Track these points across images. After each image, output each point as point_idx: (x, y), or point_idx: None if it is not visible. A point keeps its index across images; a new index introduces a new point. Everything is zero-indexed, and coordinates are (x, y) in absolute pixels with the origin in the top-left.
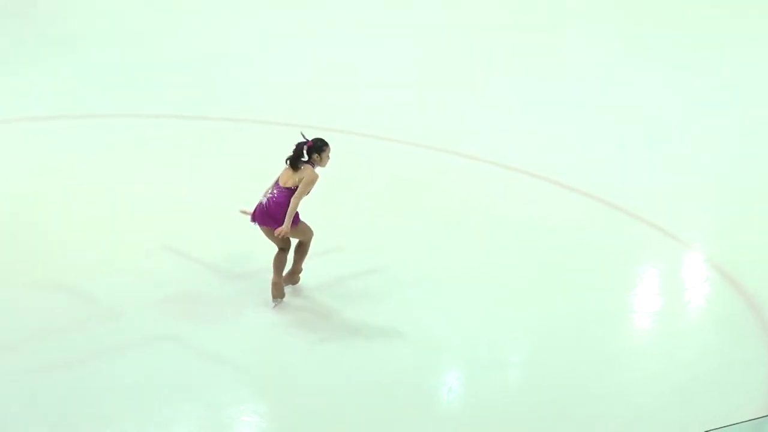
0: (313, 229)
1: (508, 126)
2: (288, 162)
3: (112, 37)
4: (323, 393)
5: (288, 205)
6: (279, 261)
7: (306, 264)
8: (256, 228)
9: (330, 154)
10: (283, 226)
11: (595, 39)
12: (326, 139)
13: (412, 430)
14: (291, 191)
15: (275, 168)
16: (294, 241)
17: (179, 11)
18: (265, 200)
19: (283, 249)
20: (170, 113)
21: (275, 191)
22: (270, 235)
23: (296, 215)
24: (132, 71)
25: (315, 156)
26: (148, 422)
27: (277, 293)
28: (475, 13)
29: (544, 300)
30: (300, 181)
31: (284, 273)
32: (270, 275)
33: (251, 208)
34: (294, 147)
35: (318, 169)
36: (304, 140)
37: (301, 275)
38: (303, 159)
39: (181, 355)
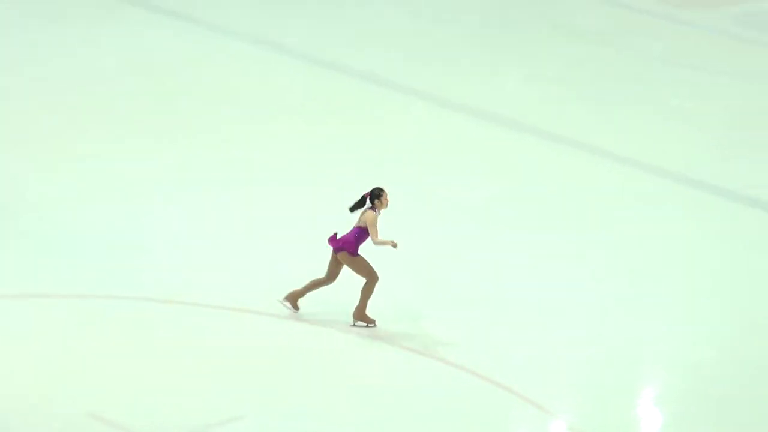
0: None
1: None
2: (350, 209)
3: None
4: None
5: (352, 236)
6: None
7: None
8: None
9: (386, 199)
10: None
11: None
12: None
13: None
14: (358, 228)
15: None
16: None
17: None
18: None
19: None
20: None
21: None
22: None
23: (355, 248)
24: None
25: (376, 202)
26: None
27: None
28: None
29: None
30: (364, 222)
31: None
32: None
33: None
34: (359, 197)
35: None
36: (367, 191)
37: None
38: (365, 207)
39: None
